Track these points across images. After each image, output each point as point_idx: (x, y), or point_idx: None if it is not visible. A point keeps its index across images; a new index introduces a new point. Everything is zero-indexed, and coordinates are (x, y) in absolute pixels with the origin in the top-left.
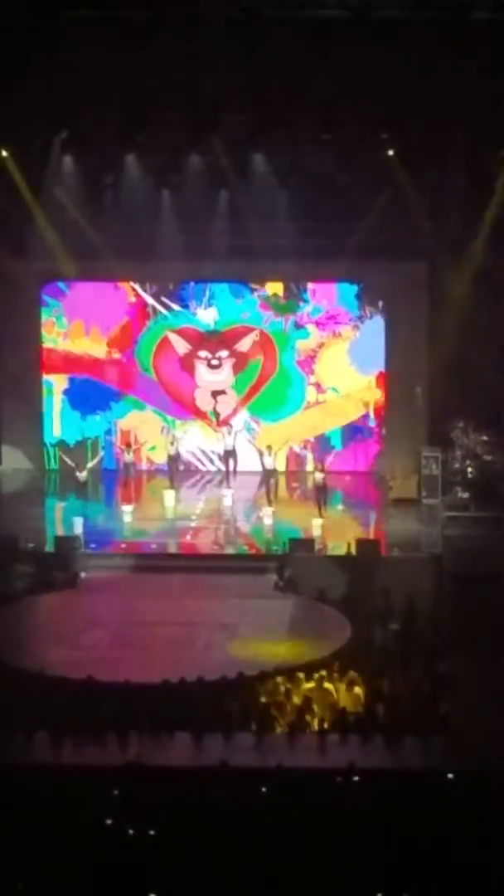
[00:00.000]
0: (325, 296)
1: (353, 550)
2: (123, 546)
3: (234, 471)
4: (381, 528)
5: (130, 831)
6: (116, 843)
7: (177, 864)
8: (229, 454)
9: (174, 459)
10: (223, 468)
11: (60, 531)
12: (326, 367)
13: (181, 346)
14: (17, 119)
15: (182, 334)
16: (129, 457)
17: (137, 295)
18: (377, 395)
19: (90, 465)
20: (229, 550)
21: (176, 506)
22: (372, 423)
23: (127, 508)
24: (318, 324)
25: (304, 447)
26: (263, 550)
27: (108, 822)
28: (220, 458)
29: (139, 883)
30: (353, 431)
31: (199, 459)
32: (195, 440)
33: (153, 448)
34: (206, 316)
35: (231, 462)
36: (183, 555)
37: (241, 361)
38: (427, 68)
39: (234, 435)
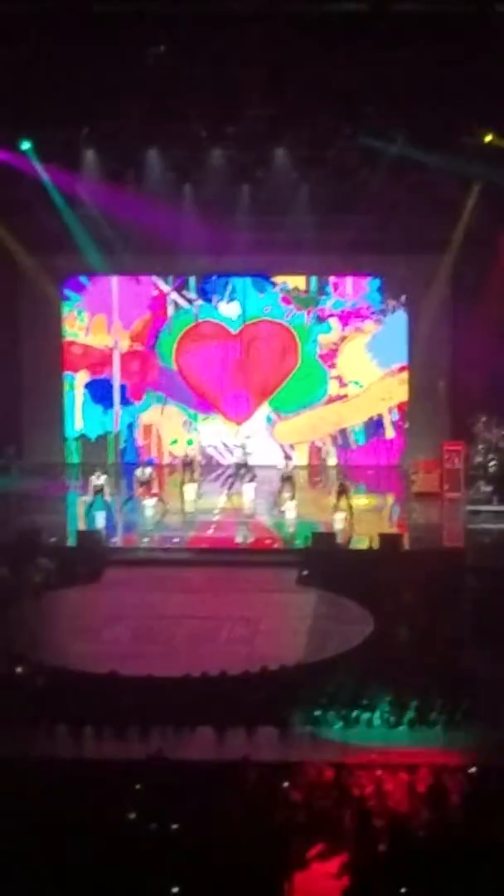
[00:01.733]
0: (348, 289)
1: (376, 544)
2: (145, 540)
3: (244, 478)
4: (403, 522)
5: (153, 825)
6: (139, 837)
7: (199, 858)
8: (241, 467)
9: (188, 464)
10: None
11: (82, 525)
12: (348, 361)
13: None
14: (40, 114)
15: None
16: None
17: (159, 289)
18: (399, 389)
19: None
20: (251, 545)
21: (197, 500)
22: (394, 417)
23: (149, 503)
24: (340, 317)
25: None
26: (285, 544)
27: (131, 816)
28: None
29: (161, 877)
30: (375, 425)
31: (220, 453)
32: (217, 434)
33: (174, 442)
34: (228, 310)
35: (242, 471)
36: (205, 549)
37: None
38: (448, 61)
39: (244, 453)
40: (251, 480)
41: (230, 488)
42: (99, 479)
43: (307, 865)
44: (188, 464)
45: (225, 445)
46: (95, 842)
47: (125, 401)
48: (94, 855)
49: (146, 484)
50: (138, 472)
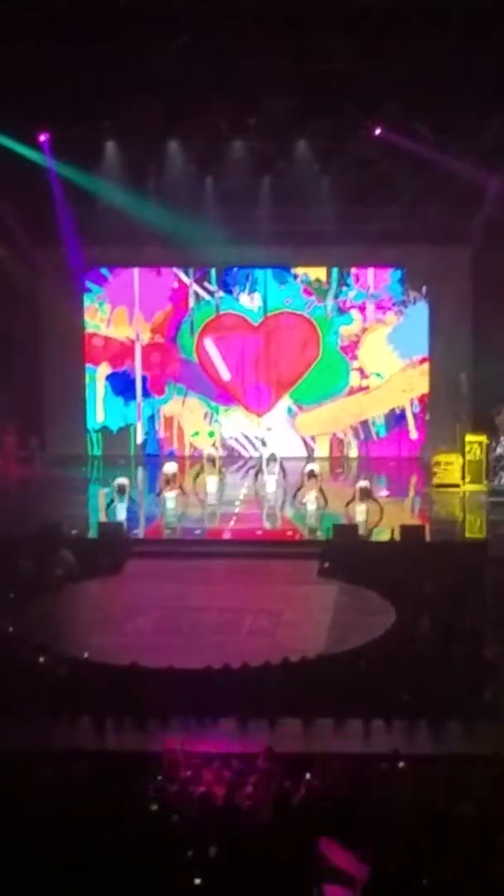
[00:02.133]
0: (369, 281)
1: (397, 536)
2: (167, 532)
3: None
4: (424, 513)
5: (175, 817)
6: (161, 829)
7: (222, 849)
8: (270, 461)
9: (211, 460)
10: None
11: (104, 517)
12: (370, 353)
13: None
14: (60, 106)
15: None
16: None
17: (180, 281)
18: (421, 381)
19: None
20: (272, 536)
21: (219, 492)
22: (415, 409)
23: (170, 494)
24: (361, 309)
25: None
26: (307, 536)
27: (154, 807)
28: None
29: (184, 869)
30: (397, 417)
31: (242, 445)
32: (238, 426)
33: (195, 434)
34: (249, 301)
35: (271, 465)
36: (226, 540)
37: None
38: (471, 53)
39: (269, 452)
40: (274, 474)
41: (256, 480)
42: (122, 480)
43: (329, 857)
44: (211, 459)
45: (246, 437)
46: (117, 833)
47: (146, 393)
48: (116, 847)
49: (172, 479)
50: (166, 468)
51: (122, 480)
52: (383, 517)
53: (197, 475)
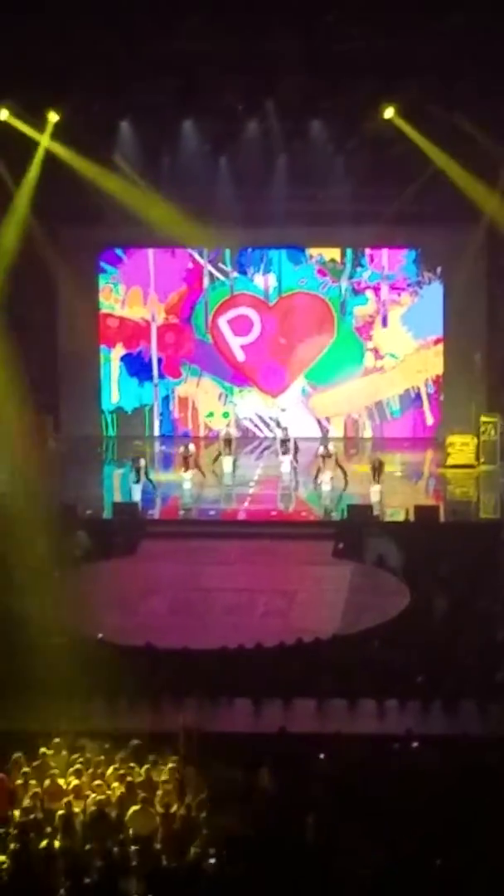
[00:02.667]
0: (384, 261)
1: (412, 517)
2: (181, 513)
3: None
4: (439, 494)
5: (188, 798)
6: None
7: (237, 828)
8: (284, 442)
9: (227, 441)
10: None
11: (118, 498)
12: (384, 333)
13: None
14: (75, 86)
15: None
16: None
17: (195, 262)
18: (435, 361)
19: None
20: (287, 517)
21: (234, 472)
22: (430, 390)
23: (186, 476)
24: (376, 289)
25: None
26: (322, 517)
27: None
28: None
29: (196, 849)
30: (411, 398)
31: (256, 426)
32: (253, 407)
33: (210, 414)
34: (264, 282)
35: (288, 446)
36: (241, 521)
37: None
38: (484, 34)
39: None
40: (288, 453)
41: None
42: (140, 463)
43: (341, 837)
44: (228, 441)
45: (260, 418)
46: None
47: (160, 373)
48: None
49: (187, 460)
50: (181, 449)
51: (140, 464)
52: (349, 485)
53: (217, 457)
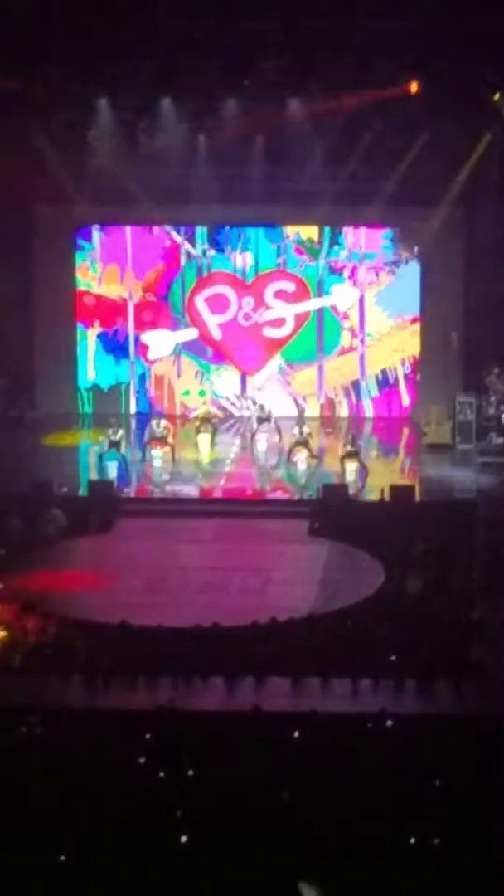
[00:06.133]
0: (361, 241)
1: (388, 496)
2: (157, 491)
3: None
4: (415, 474)
5: (162, 774)
6: (148, 787)
7: (208, 808)
8: (261, 421)
9: (206, 420)
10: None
11: (94, 476)
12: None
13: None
14: (52, 63)
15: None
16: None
17: (172, 239)
18: (412, 341)
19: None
20: (262, 495)
21: (210, 450)
22: (406, 369)
23: (157, 453)
24: (353, 269)
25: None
26: (297, 495)
27: (141, 760)
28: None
29: (171, 827)
30: (387, 377)
31: (233, 404)
32: (229, 385)
33: (186, 393)
34: (241, 261)
35: (263, 424)
36: (216, 499)
37: None
38: (460, 12)
39: (267, 413)
40: (266, 432)
41: (251, 439)
42: (116, 435)
43: (315, 815)
44: (206, 420)
45: (237, 396)
46: (106, 791)
47: (137, 351)
48: (105, 804)
49: (161, 437)
50: (153, 423)
51: (116, 437)
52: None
53: (197, 433)
